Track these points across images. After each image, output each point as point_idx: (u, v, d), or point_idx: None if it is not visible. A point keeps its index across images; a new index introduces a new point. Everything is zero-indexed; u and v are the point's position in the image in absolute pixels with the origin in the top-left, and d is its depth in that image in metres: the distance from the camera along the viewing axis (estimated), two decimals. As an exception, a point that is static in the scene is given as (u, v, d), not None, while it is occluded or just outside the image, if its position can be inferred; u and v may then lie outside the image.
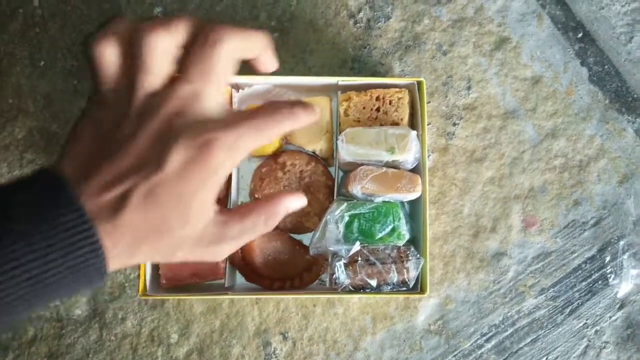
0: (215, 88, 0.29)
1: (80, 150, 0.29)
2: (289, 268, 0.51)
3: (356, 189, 0.47)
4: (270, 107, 0.30)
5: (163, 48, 0.28)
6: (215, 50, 0.28)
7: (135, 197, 0.27)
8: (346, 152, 0.47)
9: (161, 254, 0.29)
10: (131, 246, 0.28)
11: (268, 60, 0.32)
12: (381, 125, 0.50)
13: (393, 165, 0.48)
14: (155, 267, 0.49)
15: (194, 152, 0.27)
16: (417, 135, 0.48)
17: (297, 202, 0.34)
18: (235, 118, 0.29)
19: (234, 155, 0.28)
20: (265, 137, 0.29)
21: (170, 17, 0.29)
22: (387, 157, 0.47)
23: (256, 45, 0.31)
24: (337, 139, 0.49)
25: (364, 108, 0.50)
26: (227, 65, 0.29)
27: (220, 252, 0.31)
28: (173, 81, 0.29)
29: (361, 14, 0.57)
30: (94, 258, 0.26)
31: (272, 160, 0.52)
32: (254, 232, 0.32)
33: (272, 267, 0.50)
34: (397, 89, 0.50)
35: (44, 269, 0.25)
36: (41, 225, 0.25)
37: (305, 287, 0.50)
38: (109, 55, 0.28)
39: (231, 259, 0.49)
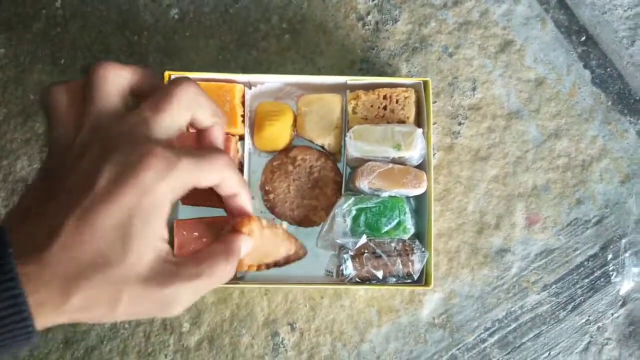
0: (167, 121, 0.28)
1: (25, 199, 0.27)
2: (270, 256, 0.46)
3: (363, 184, 0.49)
4: (214, 152, 0.29)
5: (115, 83, 0.28)
6: (175, 90, 0.28)
7: (66, 228, 0.24)
8: (354, 148, 0.49)
9: (101, 297, 0.25)
10: (63, 289, 0.23)
11: (216, 133, 0.32)
12: (388, 123, 0.51)
13: (399, 161, 0.50)
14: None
15: (125, 167, 0.25)
16: (423, 132, 0.50)
17: (246, 245, 0.32)
18: (179, 150, 0.27)
19: (168, 179, 0.26)
20: (205, 173, 0.28)
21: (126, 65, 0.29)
22: (394, 154, 0.49)
23: (210, 114, 0.30)
24: (345, 136, 0.50)
25: (371, 106, 0.52)
26: (181, 105, 0.28)
27: (177, 298, 0.27)
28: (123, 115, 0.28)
29: (370, 17, 0.59)
30: (13, 308, 0.22)
31: (284, 154, 0.53)
32: (212, 278, 0.28)
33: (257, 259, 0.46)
34: (404, 88, 0.52)
35: None
36: None
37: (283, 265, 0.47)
38: (60, 98, 0.28)
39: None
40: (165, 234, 0.27)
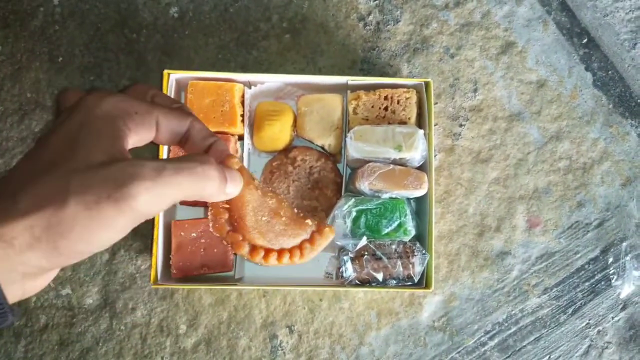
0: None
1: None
2: (286, 236, 0.39)
3: (364, 185, 0.48)
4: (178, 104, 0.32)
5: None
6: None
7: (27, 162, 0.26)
8: (354, 149, 0.49)
9: (49, 193, 0.24)
10: (11, 198, 0.24)
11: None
12: (389, 123, 0.51)
13: (400, 162, 0.49)
14: (167, 258, 0.51)
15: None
16: (424, 133, 0.49)
17: (236, 178, 0.32)
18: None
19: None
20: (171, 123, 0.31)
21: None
22: (395, 155, 0.48)
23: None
24: (345, 137, 0.50)
25: (372, 107, 0.51)
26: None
27: (131, 175, 0.25)
28: None
29: (371, 17, 0.58)
30: None
31: (284, 154, 0.53)
32: (183, 169, 0.28)
33: (267, 234, 0.39)
34: (405, 89, 0.51)
35: None
36: None
37: (307, 259, 0.40)
38: (68, 98, 0.30)
39: (217, 229, 0.38)
40: (123, 151, 0.27)
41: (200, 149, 0.33)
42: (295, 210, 0.40)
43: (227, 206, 0.37)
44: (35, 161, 0.26)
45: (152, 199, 0.25)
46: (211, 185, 0.29)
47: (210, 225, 0.38)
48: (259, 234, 0.38)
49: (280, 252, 0.39)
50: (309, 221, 0.40)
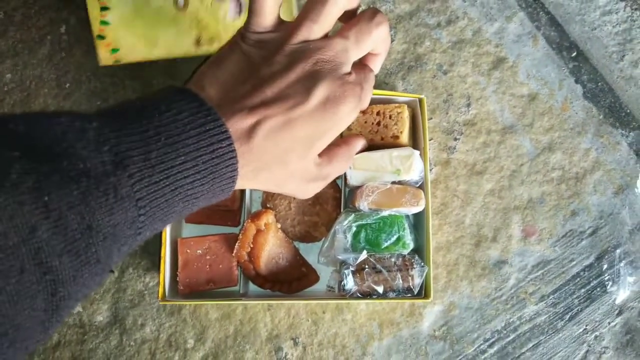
0: (359, 54, 0.35)
1: (224, 77, 0.32)
2: (284, 274, 0.53)
3: (363, 205, 0.50)
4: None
5: (337, 8, 0.34)
6: (375, 28, 0.35)
7: (271, 126, 0.30)
8: (355, 179, 0.51)
9: (274, 183, 0.33)
10: (254, 170, 0.31)
11: (380, 62, 0.40)
12: (382, 138, 0.52)
13: (399, 183, 0.51)
14: (174, 275, 0.52)
15: (334, 95, 0.32)
16: (420, 151, 0.51)
17: (361, 143, 0.43)
18: (359, 79, 0.35)
19: (357, 108, 0.34)
20: (370, 92, 0.37)
21: None
22: (394, 178, 0.50)
23: (386, 47, 0.38)
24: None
25: (365, 122, 0.53)
26: (375, 42, 0.35)
27: (313, 190, 0.37)
28: (326, 36, 0.35)
29: (366, 37, 0.60)
30: (230, 177, 0.29)
31: (284, 173, 0.55)
32: (338, 173, 0.38)
33: (271, 270, 0.53)
34: (397, 104, 0.53)
35: (198, 183, 0.28)
36: (197, 145, 0.27)
37: (291, 294, 0.53)
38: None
39: (238, 256, 0.52)
40: None
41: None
42: (298, 258, 0.54)
43: (252, 246, 0.52)
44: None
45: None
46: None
47: (234, 252, 0.52)
48: (265, 268, 0.52)
49: (274, 283, 0.52)
50: (304, 269, 0.54)
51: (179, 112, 0.28)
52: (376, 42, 0.36)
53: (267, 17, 0.34)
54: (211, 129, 0.28)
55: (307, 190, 0.37)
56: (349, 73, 0.34)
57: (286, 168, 0.32)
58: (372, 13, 0.35)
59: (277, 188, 0.34)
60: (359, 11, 0.37)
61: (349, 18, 0.36)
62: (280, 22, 0.35)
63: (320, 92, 0.31)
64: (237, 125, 0.30)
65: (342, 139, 0.40)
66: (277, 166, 0.32)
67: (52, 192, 0.23)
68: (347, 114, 0.33)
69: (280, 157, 0.32)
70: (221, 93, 0.31)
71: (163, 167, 0.26)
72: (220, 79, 0.32)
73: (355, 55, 0.35)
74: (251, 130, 0.30)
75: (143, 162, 0.26)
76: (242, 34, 0.34)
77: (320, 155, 0.36)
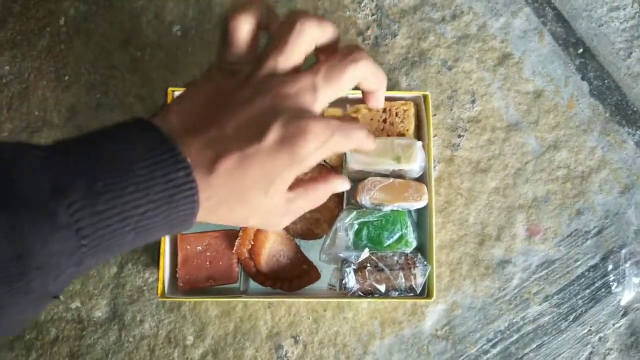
0: (330, 94, 0.32)
1: (191, 107, 0.31)
2: (284, 271, 0.53)
3: (365, 199, 0.50)
4: (353, 122, 0.33)
5: (304, 39, 0.31)
6: (350, 65, 0.31)
7: (229, 161, 0.29)
8: (354, 161, 0.50)
9: (235, 219, 0.32)
10: (215, 205, 0.30)
11: (380, 98, 0.36)
12: (388, 135, 0.52)
13: (399, 174, 0.50)
14: (173, 271, 0.52)
15: (291, 134, 0.29)
16: (423, 145, 0.50)
17: (343, 185, 0.37)
18: (332, 121, 0.31)
19: (321, 151, 0.30)
20: (349, 144, 0.33)
21: (321, 16, 0.33)
22: (394, 166, 0.49)
23: (379, 81, 0.34)
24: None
25: (371, 119, 0.52)
26: (353, 80, 0.32)
27: (283, 223, 0.35)
28: (296, 70, 0.32)
29: (369, 32, 0.60)
30: (190, 209, 0.28)
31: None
32: (310, 208, 0.35)
33: (271, 267, 0.52)
34: (403, 102, 0.52)
35: (152, 214, 0.27)
36: (151, 175, 0.26)
37: (292, 291, 0.52)
38: (244, 28, 0.32)
39: (239, 253, 0.52)
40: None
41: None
42: (299, 255, 0.53)
43: (253, 243, 0.51)
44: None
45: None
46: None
47: (235, 249, 0.51)
48: (266, 265, 0.52)
49: (275, 280, 0.52)
50: (305, 266, 0.53)
51: (133, 141, 0.27)
52: (356, 80, 0.32)
53: (238, 47, 0.32)
54: (166, 158, 0.27)
55: (277, 224, 0.35)
56: (316, 112, 0.31)
57: (248, 205, 0.31)
58: (349, 49, 0.32)
59: (243, 222, 0.33)
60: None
61: (328, 53, 0.33)
62: (254, 53, 0.33)
63: (275, 131, 0.29)
64: (197, 156, 0.28)
65: (322, 175, 0.37)
66: (237, 203, 0.31)
67: None
68: (309, 154, 0.30)
69: (241, 194, 0.30)
70: (185, 124, 0.30)
71: (110, 195, 0.25)
72: (187, 109, 0.31)
73: (326, 93, 0.31)
74: (211, 164, 0.29)
75: (86, 190, 0.24)
76: (217, 64, 0.33)
77: (292, 188, 0.33)
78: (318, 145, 0.30)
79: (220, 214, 0.31)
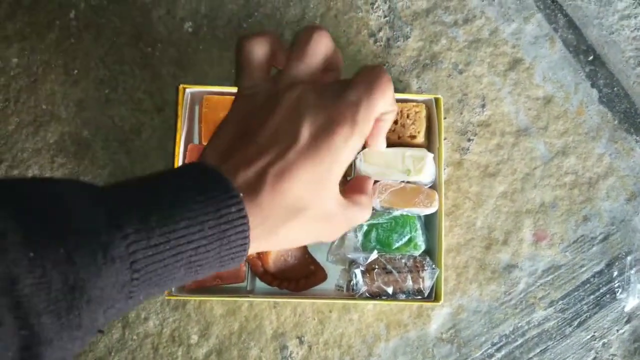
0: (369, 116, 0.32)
1: (225, 140, 0.31)
2: (292, 272, 0.53)
3: (375, 203, 0.49)
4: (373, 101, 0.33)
5: (325, 47, 0.33)
6: (377, 94, 0.32)
7: (272, 175, 0.28)
8: (364, 172, 0.50)
9: (293, 237, 0.31)
10: (270, 230, 0.29)
11: (381, 140, 0.38)
12: (399, 137, 0.52)
13: (410, 182, 0.50)
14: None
15: (322, 124, 0.29)
16: (434, 152, 0.50)
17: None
18: (356, 99, 0.31)
19: (353, 134, 0.30)
20: (381, 109, 0.32)
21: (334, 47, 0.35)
22: (403, 178, 0.49)
23: (391, 118, 0.35)
24: (355, 157, 0.51)
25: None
26: (380, 108, 0.33)
27: (339, 232, 0.34)
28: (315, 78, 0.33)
29: (381, 33, 0.59)
30: (241, 245, 0.27)
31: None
32: (363, 218, 0.35)
33: (279, 267, 0.52)
34: (415, 104, 0.52)
35: (204, 249, 0.26)
36: (204, 210, 0.26)
37: (299, 292, 0.52)
38: (258, 52, 0.33)
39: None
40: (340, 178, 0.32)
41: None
42: (306, 256, 0.53)
43: None
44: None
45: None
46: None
47: None
48: (274, 265, 0.52)
49: (282, 280, 0.52)
50: (312, 267, 0.53)
51: (182, 176, 0.27)
52: (386, 106, 0.34)
53: (254, 74, 0.33)
54: (218, 192, 0.27)
55: (335, 233, 0.34)
56: (339, 97, 0.31)
57: (304, 215, 0.30)
58: (376, 72, 0.33)
59: (298, 242, 0.32)
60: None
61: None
62: (269, 76, 0.34)
63: (307, 127, 0.29)
64: (240, 180, 0.28)
65: (358, 183, 0.38)
66: (293, 216, 0.29)
67: (38, 248, 0.22)
68: (343, 143, 0.29)
69: (293, 206, 0.29)
70: (222, 154, 0.30)
71: (164, 230, 0.25)
72: (221, 142, 0.31)
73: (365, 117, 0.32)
74: (256, 184, 0.28)
75: (141, 224, 0.24)
76: (237, 93, 0.34)
77: (346, 194, 0.34)
78: (349, 129, 0.30)
79: (276, 238, 0.30)
